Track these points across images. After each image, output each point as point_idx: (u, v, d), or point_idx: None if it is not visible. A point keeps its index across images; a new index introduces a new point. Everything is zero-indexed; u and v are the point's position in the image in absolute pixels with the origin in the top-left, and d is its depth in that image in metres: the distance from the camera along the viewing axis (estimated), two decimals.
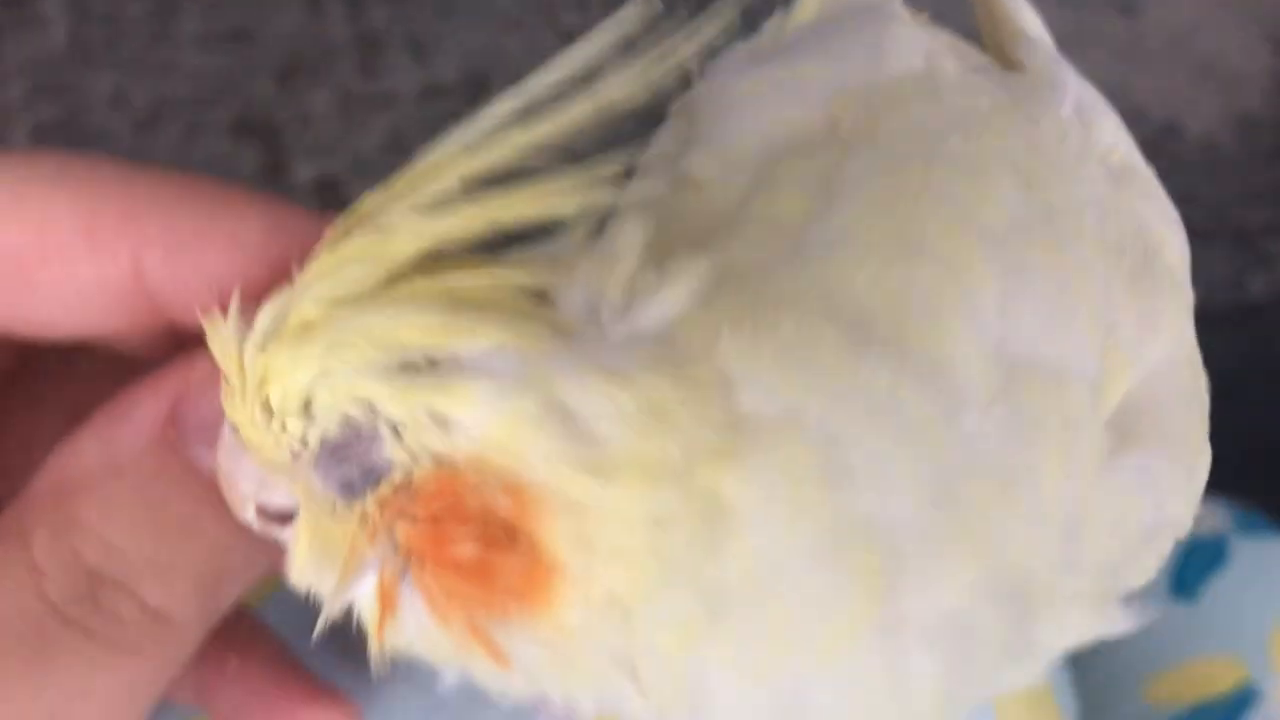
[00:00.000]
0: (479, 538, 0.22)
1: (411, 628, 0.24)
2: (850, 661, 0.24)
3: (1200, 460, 0.29)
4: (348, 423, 0.22)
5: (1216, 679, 0.48)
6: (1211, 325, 0.89)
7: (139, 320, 0.28)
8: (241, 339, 0.23)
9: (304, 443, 0.23)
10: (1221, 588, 0.50)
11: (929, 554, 0.23)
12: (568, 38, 0.30)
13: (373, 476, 0.23)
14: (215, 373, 0.24)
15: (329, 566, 0.24)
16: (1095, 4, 0.94)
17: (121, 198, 0.27)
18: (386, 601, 0.23)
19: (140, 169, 0.28)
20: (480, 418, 0.22)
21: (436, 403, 0.22)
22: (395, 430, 0.22)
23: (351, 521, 0.23)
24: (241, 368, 0.23)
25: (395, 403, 0.22)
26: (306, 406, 0.23)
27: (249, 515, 0.26)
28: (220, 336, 0.24)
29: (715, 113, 0.30)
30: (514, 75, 0.24)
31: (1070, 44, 1.05)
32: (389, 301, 0.22)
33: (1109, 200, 0.28)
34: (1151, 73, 0.93)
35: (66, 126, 0.78)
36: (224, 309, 0.24)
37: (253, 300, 0.24)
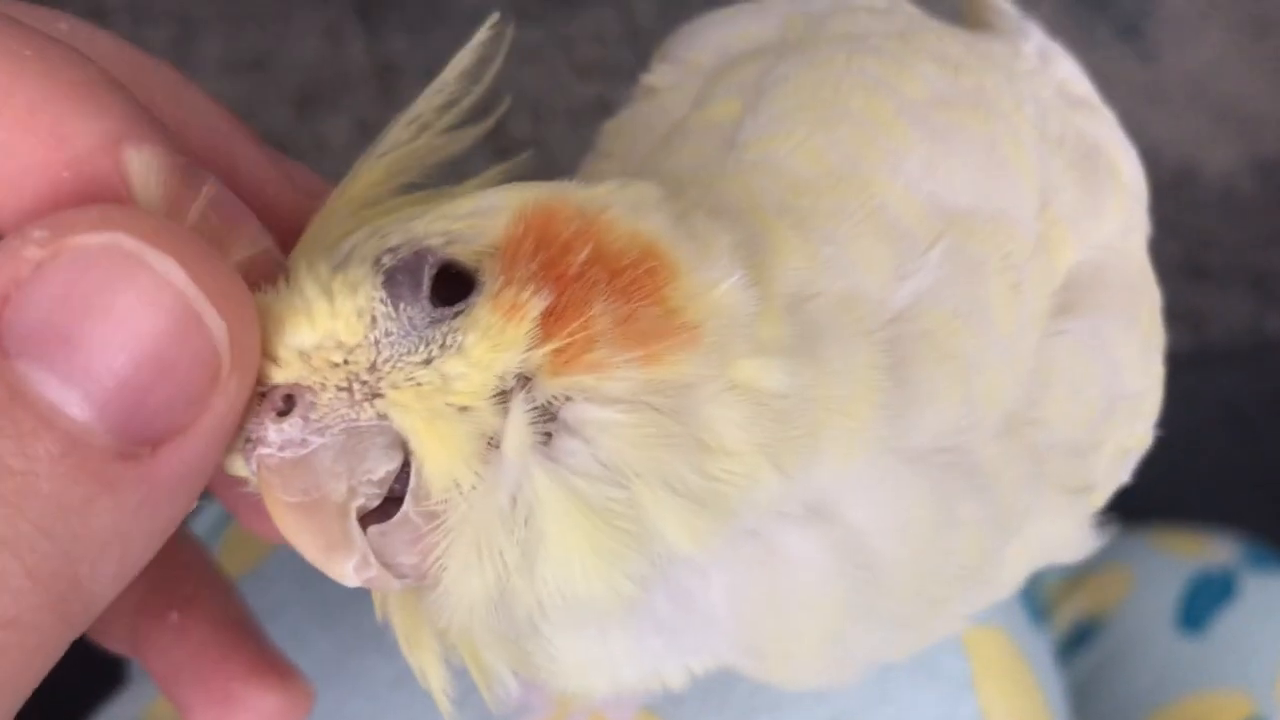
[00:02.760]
0: (616, 281, 0.22)
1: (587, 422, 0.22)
2: (891, 480, 0.24)
3: (1154, 342, 0.29)
4: (397, 254, 0.21)
5: (1224, 713, 0.47)
6: (1229, 365, 0.88)
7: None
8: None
9: (374, 302, 0.21)
10: (1230, 622, 0.50)
11: (915, 379, 0.24)
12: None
13: (458, 291, 0.22)
14: (53, 255, 0.19)
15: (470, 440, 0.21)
16: (1113, 48, 0.95)
17: None
18: (546, 415, 0.21)
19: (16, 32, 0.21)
20: (507, 198, 0.22)
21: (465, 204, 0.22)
22: (447, 241, 0.22)
23: (463, 354, 0.21)
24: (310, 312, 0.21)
25: (434, 220, 0.22)
26: (377, 260, 0.21)
27: (354, 538, 0.22)
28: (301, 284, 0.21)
29: (683, 36, 0.33)
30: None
31: None
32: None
33: (1054, 106, 0.30)
34: (1169, 117, 0.94)
35: None
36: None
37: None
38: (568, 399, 0.21)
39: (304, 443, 0.21)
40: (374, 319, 0.21)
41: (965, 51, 0.30)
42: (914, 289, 0.25)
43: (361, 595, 0.34)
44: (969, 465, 0.25)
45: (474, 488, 0.21)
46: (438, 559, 0.21)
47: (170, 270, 0.19)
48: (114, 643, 0.28)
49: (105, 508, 0.19)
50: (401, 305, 0.21)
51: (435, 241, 0.21)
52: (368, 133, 0.85)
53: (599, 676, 0.25)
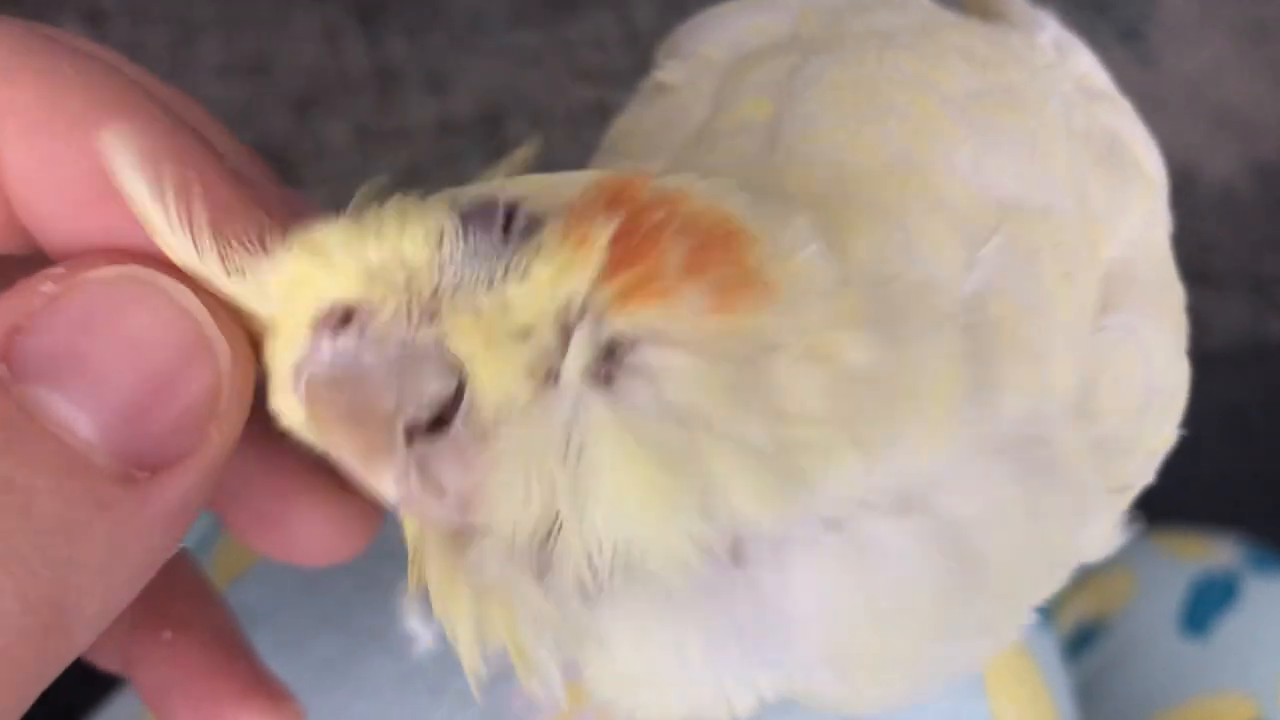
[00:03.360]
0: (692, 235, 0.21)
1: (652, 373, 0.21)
2: (982, 466, 0.24)
3: (1181, 339, 0.29)
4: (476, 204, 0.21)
5: (1227, 716, 0.47)
6: (1229, 368, 0.88)
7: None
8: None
9: (443, 225, 0.21)
10: (1233, 625, 0.50)
11: (992, 366, 0.24)
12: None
13: (528, 227, 0.21)
14: (67, 289, 0.20)
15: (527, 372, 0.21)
16: (1111, 53, 0.95)
17: None
18: (611, 359, 0.20)
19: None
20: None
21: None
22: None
23: (530, 282, 0.21)
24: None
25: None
26: (452, 200, 0.21)
27: (397, 448, 0.21)
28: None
29: (691, 30, 0.32)
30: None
31: None
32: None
33: (1077, 100, 0.29)
34: (1168, 121, 0.93)
35: None
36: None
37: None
38: (632, 342, 0.21)
39: (357, 358, 0.21)
40: (442, 241, 0.21)
41: (988, 47, 0.29)
42: (981, 277, 0.24)
43: (364, 594, 0.33)
44: (1049, 456, 0.24)
45: (528, 413, 0.20)
46: (484, 482, 0.21)
47: (183, 296, 0.20)
48: (105, 660, 0.28)
49: (100, 531, 0.19)
50: (471, 233, 0.21)
51: (507, 196, 0.21)
52: (367, 136, 0.85)
53: (654, 691, 0.24)
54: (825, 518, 0.22)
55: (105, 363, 0.20)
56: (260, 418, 0.22)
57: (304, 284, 0.21)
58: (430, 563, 0.22)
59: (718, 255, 0.21)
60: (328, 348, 0.21)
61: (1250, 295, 0.90)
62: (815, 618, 0.23)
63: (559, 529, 0.21)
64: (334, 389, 0.21)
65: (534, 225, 0.21)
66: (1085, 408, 0.26)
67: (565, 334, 0.21)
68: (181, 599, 0.28)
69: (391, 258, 0.21)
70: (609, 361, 0.21)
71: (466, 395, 0.21)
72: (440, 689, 0.35)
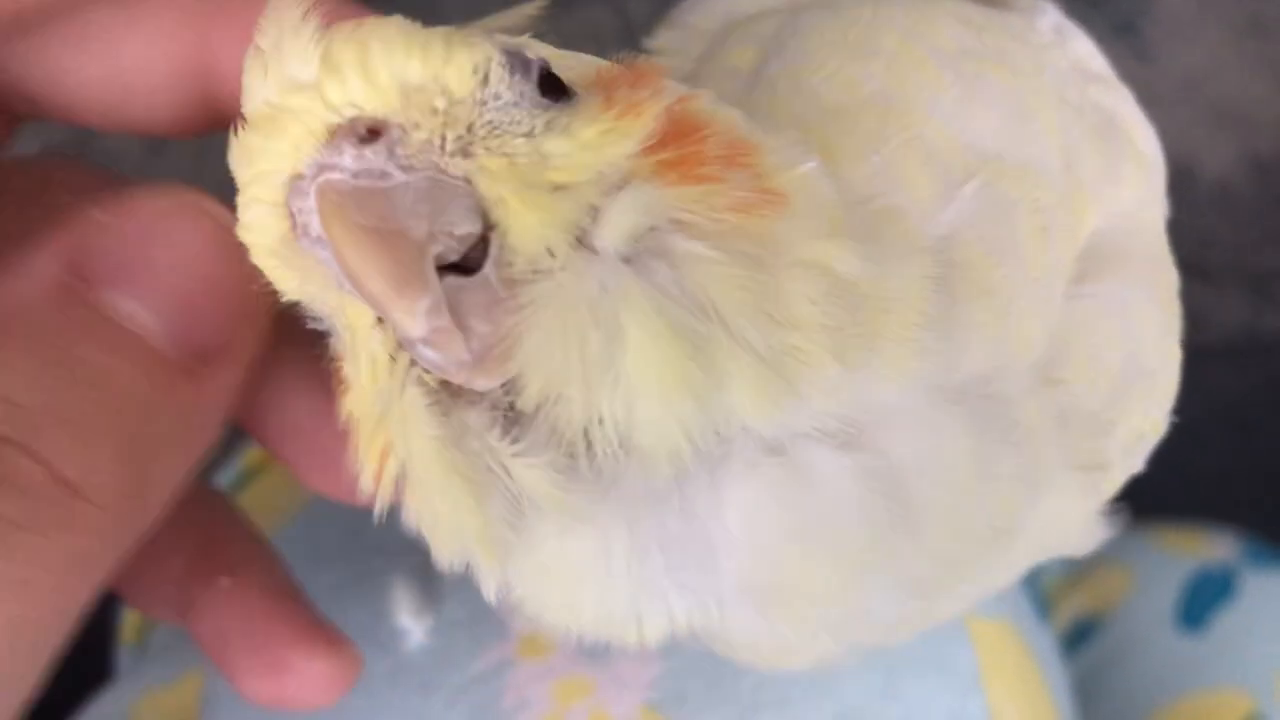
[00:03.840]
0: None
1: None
2: (926, 409, 0.23)
3: (1173, 323, 0.29)
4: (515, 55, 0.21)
5: (1224, 711, 0.47)
6: (1227, 364, 0.88)
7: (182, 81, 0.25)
8: None
9: (488, 68, 0.20)
10: (1230, 620, 0.50)
11: (958, 307, 0.23)
12: None
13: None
14: (130, 205, 0.22)
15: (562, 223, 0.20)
16: (1107, 48, 0.95)
17: None
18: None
19: None
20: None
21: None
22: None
23: (570, 137, 0.20)
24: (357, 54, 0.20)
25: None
26: (459, 38, 0.20)
27: (430, 280, 0.19)
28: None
29: (690, 5, 0.32)
30: None
31: None
32: None
33: (1073, 78, 0.29)
34: (1166, 117, 0.93)
35: (76, 147, 0.78)
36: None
37: None
38: (653, 229, 0.20)
39: (384, 175, 0.19)
40: (487, 79, 0.20)
41: (985, 18, 0.29)
42: (953, 218, 0.24)
43: (354, 588, 0.33)
44: (1006, 415, 0.24)
45: (564, 271, 0.20)
46: (513, 332, 0.19)
47: (222, 214, 0.23)
48: (161, 609, 0.29)
49: (170, 409, 0.23)
50: (516, 76, 0.20)
51: (536, 53, 0.21)
52: None
53: (567, 590, 0.23)
54: (768, 441, 0.22)
55: (163, 269, 0.23)
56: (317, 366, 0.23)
57: (332, 87, 0.20)
58: (409, 428, 0.21)
59: (741, 156, 0.21)
60: (352, 157, 0.19)
61: (1249, 291, 0.90)
62: (742, 540, 0.22)
63: (557, 400, 0.20)
64: (360, 201, 0.19)
65: (565, 89, 0.21)
66: (1052, 374, 0.25)
67: (601, 199, 0.20)
68: (234, 546, 0.29)
69: (433, 82, 0.20)
70: (637, 240, 0.20)
71: (495, 240, 0.20)
72: (431, 685, 0.35)
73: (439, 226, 0.19)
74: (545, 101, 0.20)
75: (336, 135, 0.20)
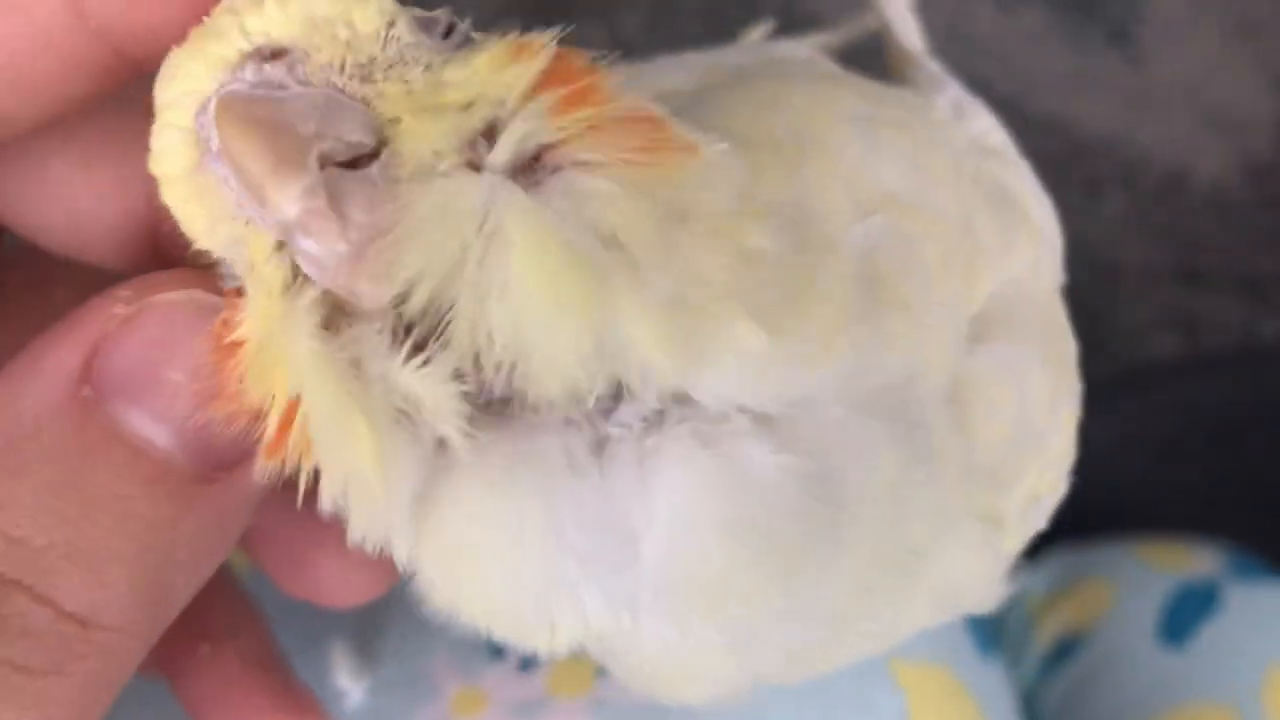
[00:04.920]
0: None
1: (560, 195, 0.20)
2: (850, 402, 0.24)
3: (1064, 389, 0.29)
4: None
5: None
6: (1221, 370, 0.88)
7: (95, 70, 0.23)
8: None
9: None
10: (1213, 633, 0.50)
11: (877, 312, 0.24)
12: None
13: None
14: (139, 311, 0.22)
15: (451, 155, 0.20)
16: (1101, 52, 0.94)
17: None
18: (547, 153, 0.20)
19: None
20: None
21: None
22: None
23: (471, 77, 0.21)
24: None
25: None
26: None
27: (309, 164, 0.19)
28: None
29: None
30: None
31: (1077, 92, 1.05)
32: None
33: (969, 151, 0.30)
34: (1159, 121, 0.93)
35: None
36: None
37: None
38: (560, 156, 0.20)
39: (281, 86, 0.20)
40: (393, 22, 0.21)
41: (883, 93, 0.30)
42: (863, 240, 0.24)
43: (293, 648, 0.33)
44: (924, 433, 0.24)
45: (448, 180, 0.20)
46: (392, 225, 0.19)
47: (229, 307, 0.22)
48: (144, 667, 0.29)
49: (188, 526, 0.22)
50: (419, 27, 0.21)
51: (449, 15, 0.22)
52: None
53: (477, 571, 0.22)
54: (701, 431, 0.22)
55: (177, 380, 0.21)
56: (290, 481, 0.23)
57: (250, 17, 0.21)
58: (296, 346, 0.20)
59: (643, 122, 0.21)
60: (252, 71, 0.20)
61: (1244, 295, 0.90)
62: (664, 529, 0.22)
63: (449, 318, 0.20)
64: (248, 103, 0.20)
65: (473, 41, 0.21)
66: (954, 419, 0.26)
67: (495, 125, 0.20)
68: (220, 609, 0.30)
69: (339, 16, 0.21)
70: (532, 171, 0.20)
71: (387, 151, 0.20)
72: None
73: (328, 129, 0.20)
74: (449, 45, 0.21)
75: (245, 59, 0.21)
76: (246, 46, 0.21)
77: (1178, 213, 0.89)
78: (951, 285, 0.26)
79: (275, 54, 0.21)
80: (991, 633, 0.44)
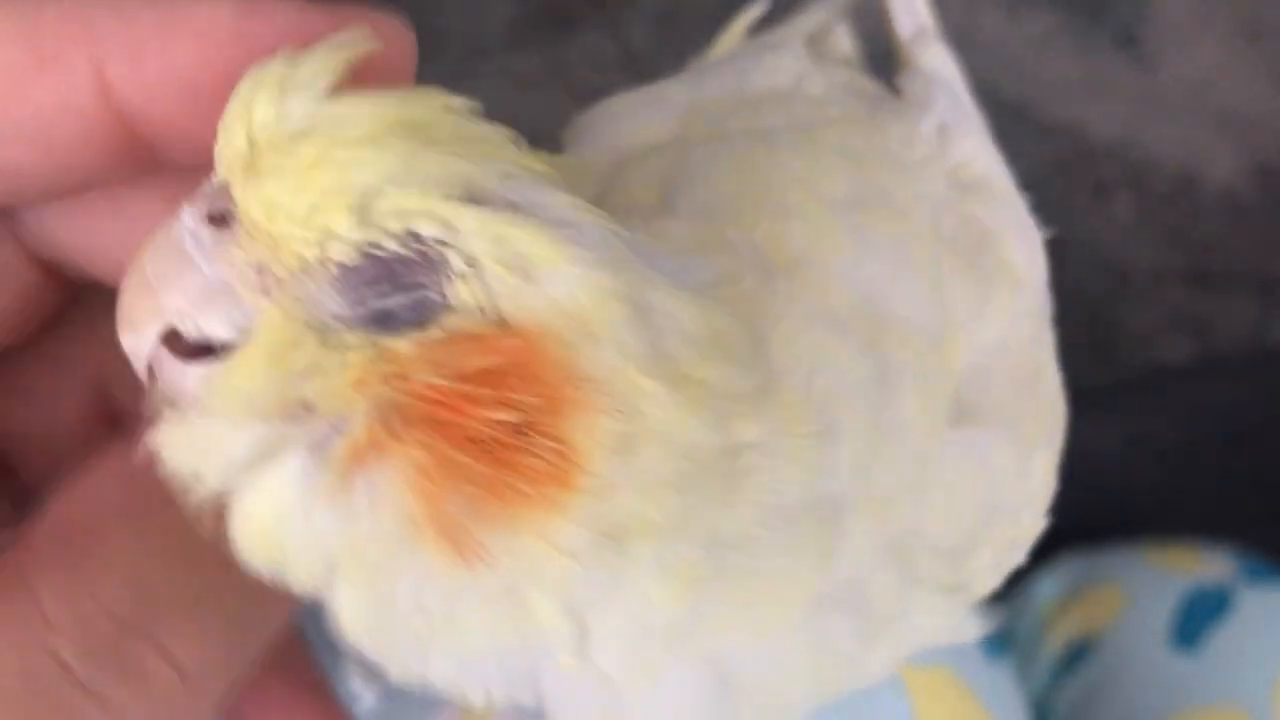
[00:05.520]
0: (514, 411, 0.19)
1: (359, 504, 0.20)
2: (785, 629, 0.24)
3: (1037, 454, 0.29)
4: (413, 241, 0.19)
5: None
6: (1232, 373, 0.87)
7: (112, 145, 0.23)
8: (283, 98, 0.19)
9: (337, 251, 0.19)
10: (1225, 637, 0.50)
11: (848, 521, 0.24)
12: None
13: (418, 315, 0.19)
14: None
15: (271, 408, 0.20)
16: (1111, 56, 0.95)
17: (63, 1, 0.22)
18: (356, 457, 0.19)
19: None
20: (570, 280, 0.19)
21: (528, 247, 0.19)
22: (469, 265, 0.19)
23: (347, 360, 0.20)
24: (274, 138, 0.19)
25: (481, 233, 0.19)
26: (363, 209, 0.19)
27: (148, 335, 0.20)
28: (255, 85, 0.19)
29: (578, 131, 0.31)
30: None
31: (1085, 96, 1.04)
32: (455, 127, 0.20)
33: (947, 200, 0.29)
34: (1168, 124, 0.93)
35: None
36: (202, 108, 0.21)
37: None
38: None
39: (213, 245, 0.20)
40: (339, 262, 0.19)
41: (866, 145, 0.30)
42: (849, 460, 0.24)
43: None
44: (859, 598, 0.25)
45: (237, 428, 0.20)
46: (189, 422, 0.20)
47: None
48: None
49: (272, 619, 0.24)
50: (356, 295, 0.20)
51: (451, 283, 0.19)
52: None
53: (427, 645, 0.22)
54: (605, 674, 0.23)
55: None
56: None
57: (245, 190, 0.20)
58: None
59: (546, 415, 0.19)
60: (196, 218, 0.20)
61: (1254, 297, 0.90)
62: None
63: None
64: (161, 250, 0.20)
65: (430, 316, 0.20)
66: (912, 525, 0.26)
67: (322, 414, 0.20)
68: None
69: (299, 226, 0.19)
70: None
71: (231, 355, 0.20)
72: None
73: (197, 313, 0.20)
74: (373, 316, 0.20)
75: (209, 199, 0.20)
76: (216, 191, 0.20)
77: (1187, 215, 0.89)
78: (932, 418, 0.26)
79: (224, 217, 0.20)
80: (998, 636, 0.44)
